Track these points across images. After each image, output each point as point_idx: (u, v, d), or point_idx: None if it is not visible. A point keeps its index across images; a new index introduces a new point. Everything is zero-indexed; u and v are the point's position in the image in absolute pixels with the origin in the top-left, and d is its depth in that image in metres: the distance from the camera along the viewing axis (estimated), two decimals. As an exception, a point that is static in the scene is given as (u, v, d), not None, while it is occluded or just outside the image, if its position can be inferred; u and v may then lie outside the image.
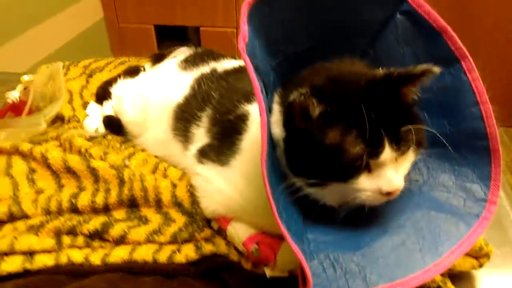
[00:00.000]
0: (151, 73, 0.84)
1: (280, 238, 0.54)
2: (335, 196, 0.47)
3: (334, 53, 0.52)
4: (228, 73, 0.72)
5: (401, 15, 0.52)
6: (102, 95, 0.86)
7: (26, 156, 0.67)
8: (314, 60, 0.52)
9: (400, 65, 0.47)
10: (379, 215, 0.50)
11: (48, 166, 0.65)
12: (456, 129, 0.50)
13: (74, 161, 0.64)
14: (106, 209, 0.62)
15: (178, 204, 0.61)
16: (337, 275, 0.43)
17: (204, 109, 0.67)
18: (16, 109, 0.86)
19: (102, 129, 0.80)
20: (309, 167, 0.46)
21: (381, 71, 0.47)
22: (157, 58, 0.93)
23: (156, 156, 0.72)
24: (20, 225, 0.58)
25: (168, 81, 0.77)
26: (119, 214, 0.61)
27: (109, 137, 0.78)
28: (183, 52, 0.87)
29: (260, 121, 0.41)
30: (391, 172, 0.44)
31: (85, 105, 0.86)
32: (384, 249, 0.46)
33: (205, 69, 0.76)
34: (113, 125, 0.80)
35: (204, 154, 0.61)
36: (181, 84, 0.74)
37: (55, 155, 0.65)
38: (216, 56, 0.80)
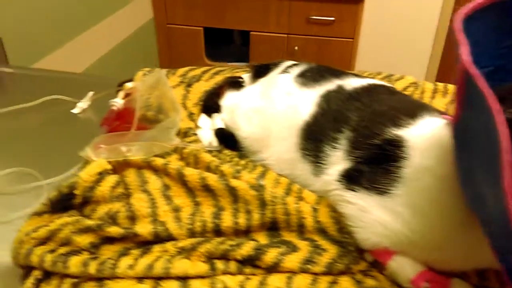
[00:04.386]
0: (262, 87, 0.82)
1: (450, 275, 0.51)
2: None
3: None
4: (359, 93, 0.70)
5: None
6: (211, 107, 0.84)
7: (158, 171, 0.65)
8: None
9: None
10: None
11: (184, 183, 0.63)
12: None
13: (212, 179, 0.62)
14: (246, 231, 0.60)
15: (321, 231, 0.59)
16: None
17: (341, 130, 0.65)
18: (121, 117, 0.85)
19: (215, 142, 0.78)
20: None
21: None
22: (259, 70, 0.91)
23: (279, 174, 0.70)
24: (170, 247, 0.55)
25: (288, 97, 0.75)
26: (261, 237, 0.59)
27: (226, 151, 0.76)
28: (290, 66, 0.84)
29: (503, 161, 0.37)
30: None
31: (190, 116, 0.85)
32: None
33: (329, 86, 0.73)
34: (228, 139, 0.78)
35: (353, 181, 0.59)
36: (304, 101, 0.72)
37: (192, 172, 0.63)
38: (336, 73, 0.78)
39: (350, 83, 0.73)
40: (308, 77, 0.77)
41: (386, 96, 0.69)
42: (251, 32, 2.21)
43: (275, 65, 0.88)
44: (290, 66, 0.84)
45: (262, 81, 0.85)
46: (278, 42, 2.20)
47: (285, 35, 2.18)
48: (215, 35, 2.32)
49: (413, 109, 0.64)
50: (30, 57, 1.34)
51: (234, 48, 2.52)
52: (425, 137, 0.58)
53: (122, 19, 1.89)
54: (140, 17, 2.14)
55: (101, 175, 0.62)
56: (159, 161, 0.65)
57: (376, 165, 0.59)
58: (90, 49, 1.68)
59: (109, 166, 0.63)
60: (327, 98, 0.71)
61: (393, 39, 2.44)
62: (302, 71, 0.80)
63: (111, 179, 0.62)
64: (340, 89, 0.72)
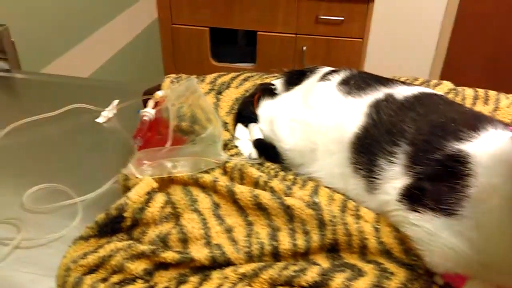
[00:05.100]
0: (302, 96, 0.78)
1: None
2: None
3: None
4: (412, 102, 0.67)
5: None
6: (247, 116, 0.80)
7: (205, 188, 0.61)
8: None
9: None
10: None
11: (234, 201, 0.59)
12: None
13: (265, 197, 0.58)
14: (304, 253, 0.56)
15: (386, 252, 0.56)
16: None
17: (397, 143, 0.61)
18: (152, 128, 0.81)
19: (254, 154, 0.74)
20: None
21: None
22: (293, 77, 0.88)
23: (326, 187, 0.67)
24: (230, 273, 0.52)
25: (333, 107, 0.71)
26: (321, 260, 0.56)
27: (267, 164, 0.72)
28: (329, 73, 0.81)
29: None
30: None
31: (224, 126, 0.81)
32: None
33: (376, 95, 0.70)
34: (268, 151, 0.74)
35: (416, 201, 0.56)
36: (351, 111, 0.69)
37: (243, 190, 0.59)
38: (381, 80, 0.74)
39: (400, 91, 0.70)
40: (352, 85, 0.74)
41: (442, 107, 0.66)
42: (258, 32, 2.17)
43: (311, 71, 0.85)
44: (329, 73, 0.80)
45: (300, 88, 0.82)
46: (286, 42, 2.16)
47: (293, 35, 2.14)
48: (219, 35, 2.28)
49: (474, 120, 0.61)
50: (39, 62, 1.29)
51: (238, 49, 2.48)
52: (491, 152, 0.55)
53: (127, 21, 1.85)
54: (145, 18, 2.09)
55: (149, 194, 0.58)
56: (207, 178, 0.61)
57: (439, 182, 0.55)
58: (96, 52, 1.64)
59: (156, 185, 0.59)
60: (377, 108, 0.68)
61: (400, 39, 2.43)
62: (344, 78, 0.76)
63: (160, 199, 0.58)
64: (390, 98, 0.69)
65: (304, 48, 2.14)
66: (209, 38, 2.23)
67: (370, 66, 2.33)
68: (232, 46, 2.49)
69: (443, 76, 2.47)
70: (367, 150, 0.64)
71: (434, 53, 2.47)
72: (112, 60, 1.75)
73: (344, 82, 0.75)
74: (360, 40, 2.10)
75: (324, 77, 0.79)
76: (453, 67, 2.50)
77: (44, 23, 1.31)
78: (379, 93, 0.71)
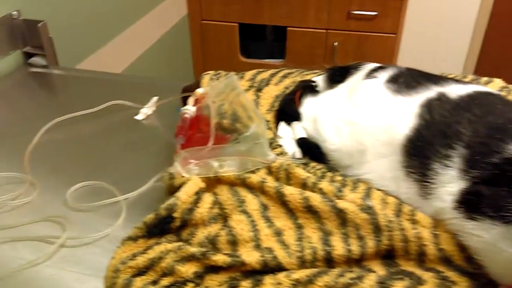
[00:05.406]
0: (348, 94, 0.75)
1: None
2: None
3: None
4: (468, 102, 0.63)
5: None
6: (289, 114, 0.78)
7: (252, 189, 0.59)
8: None
9: None
10: None
11: (283, 203, 0.57)
12: None
13: (316, 200, 0.56)
14: (358, 259, 0.54)
15: (445, 260, 0.53)
16: None
17: (452, 146, 0.58)
18: (193, 125, 0.79)
19: (298, 153, 0.72)
20: None
21: None
22: (335, 74, 0.85)
23: (385, 193, 0.64)
24: (284, 279, 0.50)
25: (381, 107, 0.68)
26: (376, 267, 0.53)
27: (312, 164, 0.70)
28: (375, 70, 0.78)
29: None
30: None
31: (265, 124, 0.79)
32: None
33: (427, 93, 0.67)
34: (313, 150, 0.72)
35: (473, 208, 0.52)
36: (402, 112, 0.66)
37: (292, 191, 0.57)
38: (432, 77, 0.71)
39: (453, 90, 0.66)
40: (401, 83, 0.70)
41: (500, 107, 0.63)
42: (288, 28, 2.14)
43: (355, 68, 0.82)
44: (375, 70, 0.77)
45: (344, 86, 0.79)
46: (317, 38, 2.13)
47: (324, 31, 2.10)
48: (246, 30, 2.25)
49: (537, 122, 0.57)
50: (73, 59, 1.30)
51: (266, 44, 2.45)
52: None
53: (157, 17, 1.85)
54: (175, 14, 2.08)
55: (198, 194, 0.56)
56: (254, 178, 0.59)
57: (497, 188, 0.52)
58: (128, 49, 1.64)
59: (203, 185, 0.58)
60: (429, 108, 0.64)
61: (433, 35, 2.36)
62: (392, 76, 0.73)
63: (208, 199, 0.56)
64: (442, 97, 0.65)
65: (335, 43, 2.10)
66: (238, 34, 2.21)
67: (402, 62, 2.27)
68: (260, 41, 2.46)
69: (476, 74, 2.40)
70: (419, 153, 0.61)
71: (467, 51, 2.39)
72: (142, 57, 1.75)
73: (392, 80, 0.72)
74: (394, 35, 2.04)
75: (370, 74, 0.76)
76: (487, 65, 2.41)
77: (78, 20, 1.32)
78: (431, 91, 0.67)
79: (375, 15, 2.00)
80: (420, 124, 0.63)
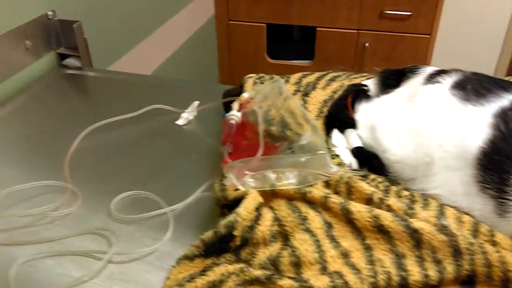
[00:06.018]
0: (408, 100, 0.70)
1: None
2: None
3: None
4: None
5: None
6: (343, 121, 0.73)
7: (313, 205, 0.55)
8: None
9: None
10: None
11: (349, 221, 0.53)
12: None
13: (387, 219, 0.51)
14: (435, 285, 0.49)
15: (534, 288, 0.47)
16: None
17: (534, 160, 0.53)
18: (238, 132, 0.75)
19: (354, 164, 0.67)
20: None
21: None
22: (389, 77, 0.80)
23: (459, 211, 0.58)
24: (357, 307, 0.45)
25: (449, 116, 0.63)
26: (456, 294, 0.48)
27: (372, 176, 0.65)
28: (435, 74, 0.72)
29: None
30: None
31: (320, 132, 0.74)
32: None
33: (500, 102, 0.61)
34: (372, 161, 0.67)
35: None
36: (473, 122, 0.60)
37: (360, 208, 0.52)
38: (502, 83, 0.65)
39: (530, 97, 0.61)
40: (469, 90, 0.65)
41: None
42: (318, 28, 2.09)
43: (412, 71, 0.76)
44: (437, 74, 0.72)
45: (401, 91, 0.74)
46: (347, 39, 2.07)
47: (355, 31, 2.04)
48: (273, 31, 2.21)
49: None
50: (105, 61, 1.27)
51: (293, 45, 2.40)
52: None
53: (185, 19, 1.82)
54: (202, 15, 2.05)
55: (258, 211, 0.52)
56: (317, 193, 0.54)
57: None
58: (157, 50, 1.61)
59: (261, 199, 0.53)
60: (505, 118, 0.59)
61: (466, 36, 2.28)
62: (458, 81, 0.68)
63: (268, 216, 0.52)
64: (518, 105, 0.60)
65: (367, 44, 2.04)
66: (265, 35, 2.16)
67: (436, 64, 2.20)
68: (287, 42, 2.41)
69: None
70: (496, 168, 0.55)
71: (499, 52, 2.31)
72: (171, 58, 1.73)
73: (458, 86, 0.66)
74: (428, 36, 1.98)
75: (431, 78, 0.71)
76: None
77: (110, 22, 1.29)
78: (503, 100, 0.62)
79: (409, 15, 1.93)
80: (496, 136, 0.58)
